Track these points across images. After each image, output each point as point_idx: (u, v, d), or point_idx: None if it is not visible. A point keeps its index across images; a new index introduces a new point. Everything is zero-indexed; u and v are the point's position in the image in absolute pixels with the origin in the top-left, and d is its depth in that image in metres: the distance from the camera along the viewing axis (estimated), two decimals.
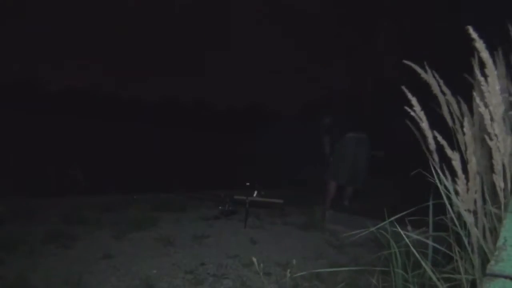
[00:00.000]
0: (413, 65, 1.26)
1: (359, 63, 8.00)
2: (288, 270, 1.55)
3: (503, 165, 0.99)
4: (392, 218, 1.32)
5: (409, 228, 1.35)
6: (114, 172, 6.43)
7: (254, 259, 1.46)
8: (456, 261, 1.17)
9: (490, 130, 0.98)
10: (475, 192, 1.08)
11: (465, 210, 1.08)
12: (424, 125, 1.16)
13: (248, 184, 3.75)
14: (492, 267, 0.82)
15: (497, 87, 0.96)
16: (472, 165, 1.08)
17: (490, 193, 1.14)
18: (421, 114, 1.16)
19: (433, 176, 1.18)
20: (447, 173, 1.17)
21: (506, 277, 0.79)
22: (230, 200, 3.75)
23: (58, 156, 7.24)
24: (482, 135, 1.15)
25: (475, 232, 1.06)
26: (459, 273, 1.13)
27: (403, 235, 1.20)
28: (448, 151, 1.10)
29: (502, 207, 1.02)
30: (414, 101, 1.16)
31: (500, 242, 0.89)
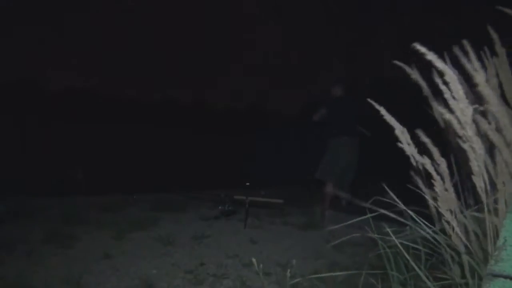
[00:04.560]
0: (431, 55, 1.23)
1: (357, 62, 7.99)
2: (288, 270, 1.54)
3: (479, 166, 1.02)
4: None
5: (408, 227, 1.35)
6: (114, 172, 6.43)
7: (254, 259, 1.46)
8: (445, 264, 1.18)
9: (461, 133, 1.01)
10: (450, 192, 1.10)
11: (447, 210, 1.10)
12: (397, 131, 1.18)
13: (248, 184, 3.75)
14: (492, 267, 0.82)
15: (461, 92, 0.98)
16: (442, 167, 1.11)
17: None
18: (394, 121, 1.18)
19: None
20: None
21: (506, 277, 0.79)
22: (230, 200, 3.75)
23: (58, 157, 7.24)
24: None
25: (472, 234, 1.07)
26: (451, 274, 1.14)
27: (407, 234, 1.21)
28: (417, 156, 1.15)
29: (485, 208, 1.04)
30: (383, 110, 1.17)
31: (500, 242, 0.89)
